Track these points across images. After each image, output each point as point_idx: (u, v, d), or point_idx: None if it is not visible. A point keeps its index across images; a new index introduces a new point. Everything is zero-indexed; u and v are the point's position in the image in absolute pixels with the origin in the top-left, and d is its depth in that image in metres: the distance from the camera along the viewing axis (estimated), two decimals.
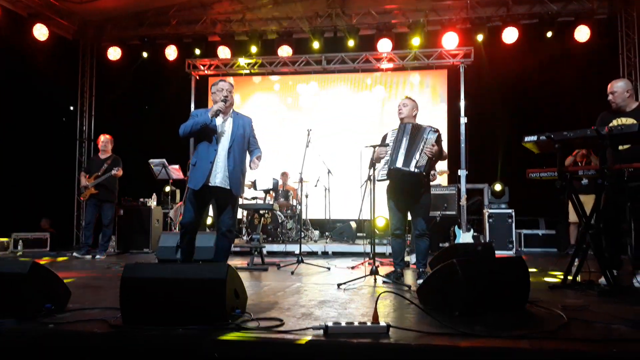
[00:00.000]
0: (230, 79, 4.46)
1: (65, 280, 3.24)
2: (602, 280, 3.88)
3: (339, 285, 4.06)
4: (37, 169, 8.97)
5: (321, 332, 2.42)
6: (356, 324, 2.47)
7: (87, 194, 7.21)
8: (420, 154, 4.23)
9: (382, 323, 2.46)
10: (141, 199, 8.44)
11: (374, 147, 4.39)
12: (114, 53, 10.32)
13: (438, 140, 4.36)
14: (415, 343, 2.26)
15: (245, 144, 4.33)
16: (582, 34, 8.82)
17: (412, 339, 2.33)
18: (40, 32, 9.19)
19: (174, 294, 2.61)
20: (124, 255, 7.65)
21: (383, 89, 10.05)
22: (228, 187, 4.17)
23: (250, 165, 4.37)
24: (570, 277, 4.00)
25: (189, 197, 4.22)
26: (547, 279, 4.60)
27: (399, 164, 4.24)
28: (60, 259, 7.05)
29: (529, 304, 3.13)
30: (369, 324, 2.47)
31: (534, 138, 4.11)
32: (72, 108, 10.89)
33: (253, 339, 2.37)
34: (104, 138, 7.44)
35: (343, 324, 2.46)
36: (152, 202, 8.42)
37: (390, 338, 2.35)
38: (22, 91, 8.78)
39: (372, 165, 4.37)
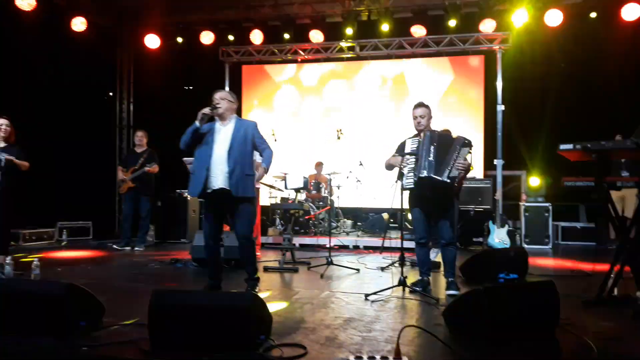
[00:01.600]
0: (223, 91, 4.44)
1: (103, 285, 3.36)
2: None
3: (366, 296, 4.07)
4: (79, 157, 9.24)
5: None
6: (378, 358, 2.48)
7: (124, 187, 7.43)
8: (452, 166, 4.14)
9: (405, 359, 2.46)
10: (177, 190, 8.64)
11: (402, 155, 4.34)
12: (152, 41, 10.41)
13: (468, 154, 4.26)
14: None
15: (249, 145, 4.26)
16: (630, 11, 8.16)
17: None
18: (79, 24, 9.35)
19: (200, 322, 2.68)
20: (162, 247, 7.87)
21: (416, 76, 9.81)
22: (228, 188, 4.12)
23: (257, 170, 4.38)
24: (605, 291, 3.89)
25: (203, 208, 4.26)
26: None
27: (431, 172, 4.16)
28: (99, 263, 7.26)
29: (559, 327, 3.06)
30: (391, 359, 2.48)
31: (570, 147, 3.96)
32: (111, 94, 11.13)
33: None
34: (139, 133, 7.64)
35: (365, 358, 2.47)
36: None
37: None
38: (62, 80, 8.99)
39: (400, 174, 4.32)
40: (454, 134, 4.49)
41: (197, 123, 4.18)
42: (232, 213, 4.29)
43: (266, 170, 4.35)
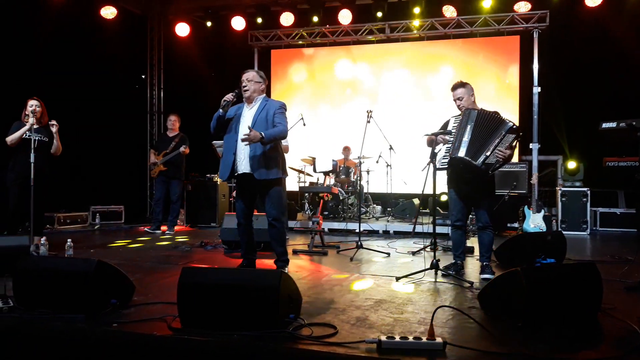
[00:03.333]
0: (250, 72, 4.35)
1: (134, 265, 3.37)
2: None
3: (397, 279, 3.98)
4: (111, 143, 9.38)
5: (374, 346, 2.37)
6: (411, 338, 2.40)
7: (156, 170, 7.49)
8: (492, 152, 3.93)
9: (438, 339, 2.37)
10: (208, 175, 8.68)
11: (435, 134, 4.18)
12: (182, 29, 10.45)
13: (513, 142, 3.99)
14: None
15: (270, 127, 4.16)
16: None
17: (470, 359, 2.23)
18: (108, 12, 9.45)
19: (229, 299, 2.64)
20: (192, 231, 7.93)
21: (449, 58, 9.56)
22: (250, 172, 4.14)
23: None
24: None
25: (236, 188, 4.34)
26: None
27: (461, 153, 4.01)
28: (131, 245, 7.38)
29: (601, 313, 2.92)
30: (424, 339, 2.39)
31: (613, 125, 3.78)
32: (143, 76, 11.23)
33: (305, 351, 2.36)
34: (172, 117, 7.68)
35: (397, 338, 2.39)
36: (218, 178, 8.64)
37: (446, 357, 2.27)
38: (93, 67, 9.10)
39: (433, 154, 4.16)
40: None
41: (220, 110, 4.20)
42: (261, 195, 4.32)
43: (262, 139, 4.00)
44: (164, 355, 2.58)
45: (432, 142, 4.22)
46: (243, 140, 4.02)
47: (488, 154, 3.94)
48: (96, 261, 3.00)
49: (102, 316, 2.87)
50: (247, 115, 4.25)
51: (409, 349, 2.34)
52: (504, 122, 4.02)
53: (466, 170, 4.08)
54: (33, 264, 3.16)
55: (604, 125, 3.82)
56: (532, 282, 2.70)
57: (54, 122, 5.36)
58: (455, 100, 4.30)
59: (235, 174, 4.25)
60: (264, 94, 4.38)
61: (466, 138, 4.03)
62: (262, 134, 4.01)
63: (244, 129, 4.15)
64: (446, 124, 4.31)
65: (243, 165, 4.18)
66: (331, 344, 2.43)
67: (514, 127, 3.98)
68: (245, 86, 4.23)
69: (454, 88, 4.32)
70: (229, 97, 4.19)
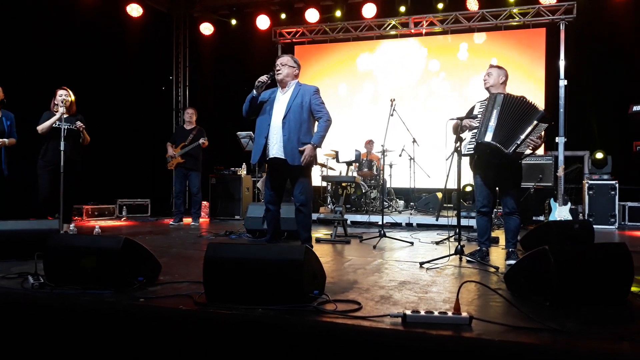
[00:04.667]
0: (285, 56, 4.42)
1: (160, 251, 3.42)
2: None
3: (421, 264, 3.95)
4: (138, 139, 9.55)
5: (399, 320, 2.36)
6: (436, 313, 2.37)
7: (173, 163, 7.55)
8: (523, 142, 3.87)
9: (464, 314, 2.34)
10: (232, 168, 8.75)
11: (460, 119, 4.14)
12: (207, 28, 10.60)
13: (545, 130, 3.92)
14: (499, 339, 2.12)
15: (305, 113, 4.22)
16: None
17: (496, 333, 2.20)
18: (134, 10, 9.63)
19: (254, 274, 2.66)
20: (216, 223, 8.01)
21: (472, 52, 9.47)
22: (283, 157, 4.18)
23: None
24: None
25: (266, 172, 4.37)
26: None
27: (488, 138, 3.96)
28: (152, 235, 7.47)
29: (632, 296, 2.85)
30: (450, 314, 2.37)
31: None
32: (171, 77, 11.39)
33: (329, 324, 2.36)
34: (190, 110, 7.77)
35: (422, 312, 2.37)
36: (242, 172, 8.71)
37: (472, 331, 2.24)
38: (121, 64, 9.28)
39: (459, 138, 4.12)
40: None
41: (254, 91, 4.25)
42: (291, 180, 4.39)
43: (315, 147, 4.24)
44: (189, 328, 2.61)
45: (457, 128, 4.18)
46: (302, 163, 4.15)
47: (519, 142, 3.87)
48: (124, 238, 3.06)
49: (130, 292, 2.92)
50: (282, 99, 4.29)
51: (435, 323, 2.31)
52: (535, 110, 3.93)
53: (494, 156, 4.03)
54: (63, 241, 3.23)
55: (635, 108, 3.75)
56: (560, 261, 2.65)
57: (79, 124, 5.45)
58: (485, 75, 4.26)
59: (267, 158, 4.28)
60: (297, 79, 4.41)
61: (492, 123, 3.98)
62: (313, 143, 4.17)
63: (276, 112, 4.22)
64: (472, 109, 4.26)
65: (275, 150, 4.22)
66: (356, 318, 2.43)
67: (546, 116, 3.90)
68: (278, 70, 4.28)
69: (491, 66, 4.30)
70: (264, 78, 4.24)
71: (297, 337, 2.38)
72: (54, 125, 5.28)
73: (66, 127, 5.13)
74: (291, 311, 2.49)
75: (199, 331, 2.59)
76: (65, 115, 5.26)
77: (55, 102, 5.36)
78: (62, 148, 4.99)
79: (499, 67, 4.26)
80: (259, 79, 4.25)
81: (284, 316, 2.45)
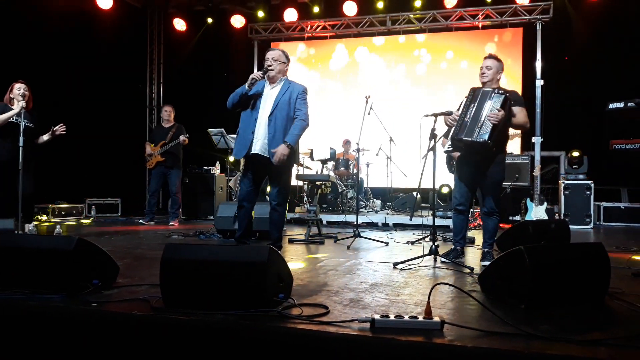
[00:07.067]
0: (276, 51, 4.28)
1: (123, 252, 3.23)
2: None
3: (394, 265, 3.82)
4: (109, 136, 9.24)
5: (367, 325, 2.21)
6: (406, 318, 2.23)
7: (153, 161, 7.33)
8: (483, 121, 3.75)
9: (436, 318, 2.21)
10: (205, 167, 8.53)
11: (435, 115, 4.02)
12: (180, 24, 10.37)
13: (505, 105, 3.75)
14: (471, 345, 1.99)
15: (292, 110, 4.13)
16: None
17: (469, 339, 2.07)
18: (103, 1, 9.33)
19: (214, 277, 2.49)
20: (188, 223, 7.77)
21: (450, 51, 9.42)
22: (266, 155, 4.06)
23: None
24: None
25: (243, 168, 4.23)
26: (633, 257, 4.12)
27: (461, 134, 3.86)
28: (118, 235, 7.23)
29: (608, 297, 2.76)
30: (420, 318, 2.23)
31: (620, 105, 3.65)
32: (140, 86, 11.08)
33: (292, 329, 2.21)
34: (167, 108, 7.56)
35: (392, 317, 2.23)
36: (216, 170, 8.50)
37: (444, 336, 2.11)
38: (91, 59, 8.98)
39: (433, 135, 4.00)
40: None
41: (246, 87, 4.11)
42: (269, 177, 4.28)
43: (289, 146, 4.02)
44: (143, 335, 2.43)
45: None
46: (275, 162, 3.99)
47: (480, 124, 3.76)
48: (77, 238, 2.86)
49: (82, 296, 2.72)
50: (270, 95, 4.17)
51: (404, 329, 2.18)
52: (489, 91, 3.85)
53: (471, 152, 3.93)
54: (11, 241, 3.00)
55: (611, 105, 3.70)
56: (536, 262, 2.54)
57: (59, 128, 5.19)
58: (482, 67, 4.08)
59: (249, 154, 4.15)
60: (286, 76, 4.28)
61: (467, 118, 3.87)
62: (287, 142, 4.01)
63: (264, 108, 4.11)
64: (460, 104, 4.13)
65: (258, 146, 4.10)
66: (322, 323, 2.28)
67: (498, 91, 3.80)
68: (270, 65, 4.15)
69: (486, 58, 4.11)
70: (259, 74, 4.10)
71: (258, 344, 2.22)
72: (10, 120, 4.98)
73: (24, 123, 4.83)
74: (253, 316, 2.34)
75: (155, 338, 2.42)
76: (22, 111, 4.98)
77: (12, 96, 5.05)
78: (21, 144, 4.72)
79: (497, 60, 4.08)
80: (252, 76, 4.09)
81: (245, 322, 2.29)
